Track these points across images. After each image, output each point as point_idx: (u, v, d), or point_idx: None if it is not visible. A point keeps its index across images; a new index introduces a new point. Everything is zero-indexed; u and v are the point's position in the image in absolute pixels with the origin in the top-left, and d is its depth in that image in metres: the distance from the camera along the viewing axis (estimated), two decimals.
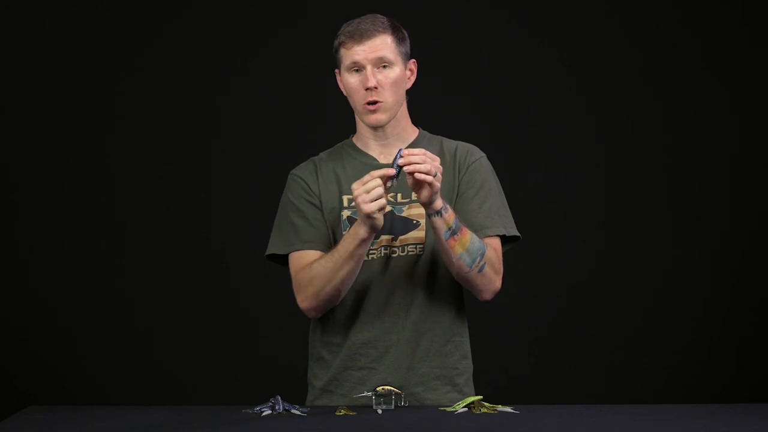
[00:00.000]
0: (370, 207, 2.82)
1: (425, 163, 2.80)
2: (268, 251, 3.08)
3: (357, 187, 2.83)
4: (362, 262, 2.94)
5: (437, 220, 2.87)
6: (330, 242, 3.03)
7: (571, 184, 4.89)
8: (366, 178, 2.83)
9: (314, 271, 2.96)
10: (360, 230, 2.88)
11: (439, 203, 2.86)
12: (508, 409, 2.78)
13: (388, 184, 2.84)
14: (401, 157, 2.81)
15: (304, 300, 3.00)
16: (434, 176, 2.81)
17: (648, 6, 4.87)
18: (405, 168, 2.80)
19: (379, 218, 2.84)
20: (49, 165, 4.81)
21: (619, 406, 2.93)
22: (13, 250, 4.79)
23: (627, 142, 4.88)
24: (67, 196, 4.81)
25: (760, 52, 4.86)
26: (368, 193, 2.82)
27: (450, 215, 2.88)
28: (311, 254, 3.01)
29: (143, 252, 4.82)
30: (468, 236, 2.91)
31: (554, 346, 4.89)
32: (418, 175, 2.80)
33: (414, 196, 2.97)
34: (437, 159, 2.84)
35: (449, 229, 2.88)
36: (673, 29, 4.88)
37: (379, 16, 3.01)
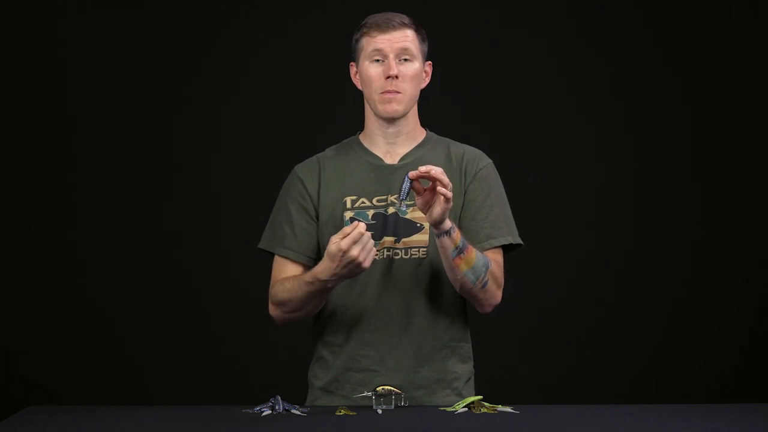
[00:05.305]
0: (369, 262, 2.79)
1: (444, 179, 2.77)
2: (259, 245, 3.09)
3: (353, 248, 2.76)
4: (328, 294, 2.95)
5: (445, 240, 2.86)
6: (311, 251, 3.02)
7: (568, 185, 4.89)
8: (354, 234, 2.75)
9: (286, 293, 2.96)
10: (328, 283, 2.85)
11: (448, 223, 2.84)
12: (508, 409, 2.79)
13: (403, 206, 2.84)
14: (407, 180, 2.80)
15: (272, 311, 3.03)
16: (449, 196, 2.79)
17: (646, 7, 4.88)
18: (427, 177, 2.76)
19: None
20: (58, 165, 4.81)
21: (619, 406, 2.93)
22: (22, 249, 4.80)
23: (626, 141, 4.88)
24: (76, 197, 4.81)
25: (759, 52, 4.87)
26: (366, 250, 2.77)
27: (457, 234, 2.86)
28: (289, 268, 3.02)
29: (151, 252, 4.83)
30: (473, 254, 2.90)
31: (553, 346, 4.89)
32: (439, 189, 2.76)
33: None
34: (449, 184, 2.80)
35: (456, 248, 2.87)
36: (671, 32, 4.88)
37: (401, 14, 3.00)
